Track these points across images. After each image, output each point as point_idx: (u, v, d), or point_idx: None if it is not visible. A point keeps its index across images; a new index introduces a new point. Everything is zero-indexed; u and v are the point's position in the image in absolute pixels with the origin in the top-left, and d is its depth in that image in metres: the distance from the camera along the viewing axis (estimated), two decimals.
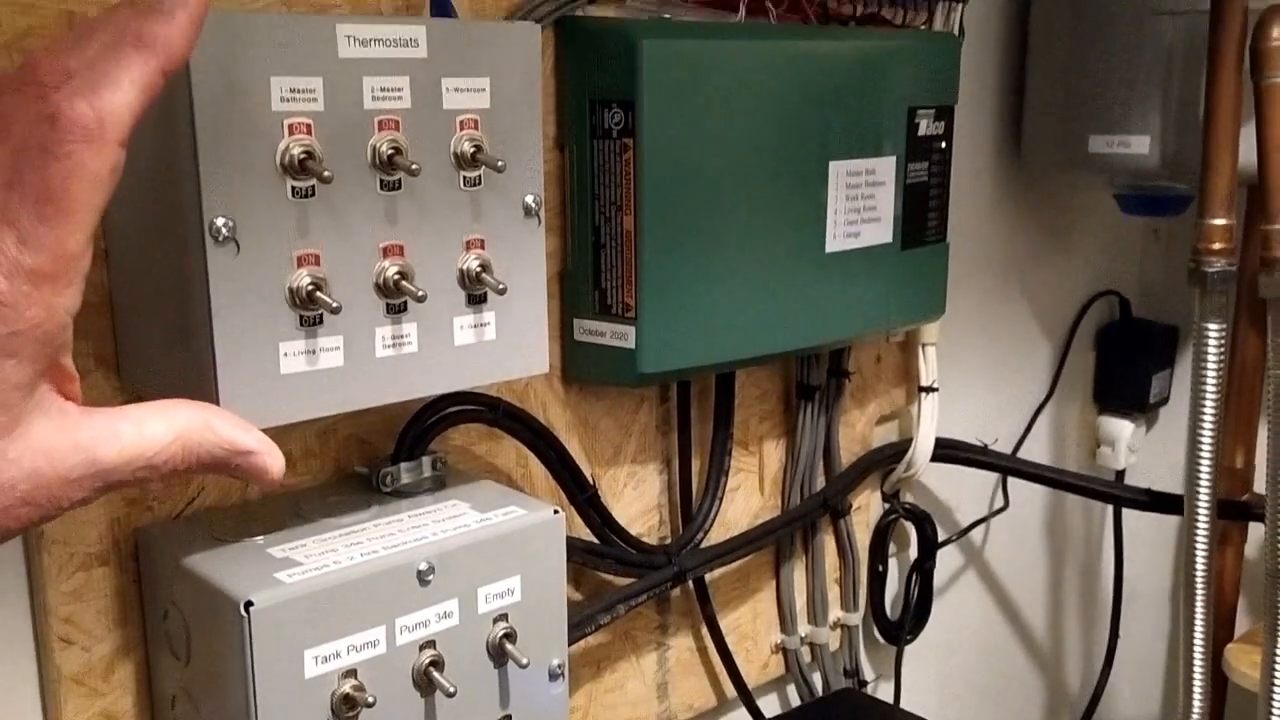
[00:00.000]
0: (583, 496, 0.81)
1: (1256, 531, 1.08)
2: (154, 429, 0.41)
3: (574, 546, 0.79)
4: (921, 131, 0.92)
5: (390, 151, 0.57)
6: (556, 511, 0.67)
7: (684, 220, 0.78)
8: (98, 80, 0.38)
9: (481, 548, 0.63)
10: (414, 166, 0.57)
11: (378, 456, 0.72)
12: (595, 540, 0.84)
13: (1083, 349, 1.42)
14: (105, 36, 0.39)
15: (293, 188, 0.54)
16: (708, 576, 0.95)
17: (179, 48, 0.40)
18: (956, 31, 1.00)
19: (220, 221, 0.52)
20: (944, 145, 0.95)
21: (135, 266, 0.58)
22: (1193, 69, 1.05)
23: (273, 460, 0.44)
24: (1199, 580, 1.03)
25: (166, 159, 0.53)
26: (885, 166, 0.90)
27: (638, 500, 0.90)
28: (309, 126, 0.54)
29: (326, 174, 0.54)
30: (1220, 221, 0.98)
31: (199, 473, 0.43)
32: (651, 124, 0.74)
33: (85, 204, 0.37)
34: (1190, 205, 1.06)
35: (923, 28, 0.99)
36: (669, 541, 0.92)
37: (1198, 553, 1.03)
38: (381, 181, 0.57)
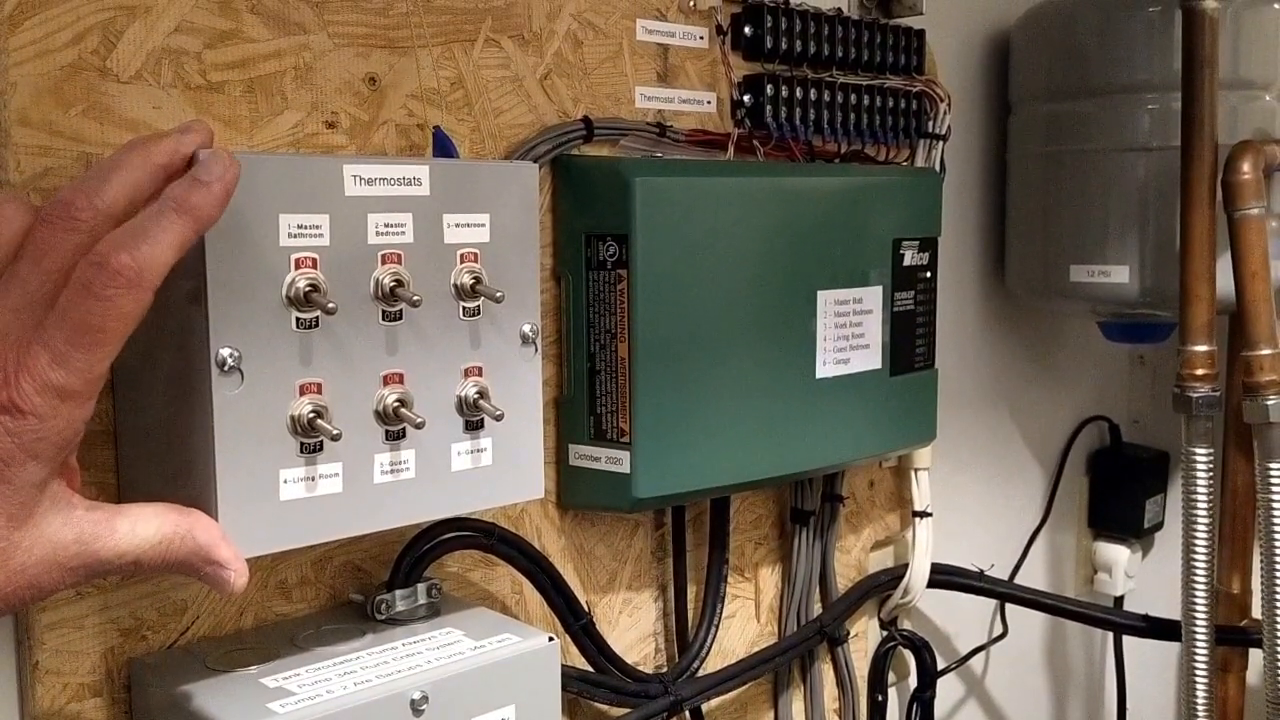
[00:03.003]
0: (578, 624, 0.81)
1: (1258, 658, 1.07)
2: (145, 531, 0.46)
3: (569, 675, 0.79)
4: (906, 262, 0.95)
5: (393, 284, 0.59)
6: (551, 639, 0.67)
7: (677, 348, 0.79)
8: (141, 236, 0.44)
9: (476, 676, 0.63)
10: (415, 298, 0.58)
11: (373, 584, 0.72)
12: (590, 669, 0.83)
13: (1075, 474, 1.43)
14: (137, 176, 0.46)
15: (297, 319, 0.56)
16: (705, 706, 0.94)
17: (212, 214, 0.47)
18: (938, 167, 1.04)
19: (226, 352, 0.53)
20: (929, 275, 0.98)
21: (140, 397, 0.59)
22: (1167, 202, 1.08)
23: (237, 578, 0.49)
24: (1200, 708, 1.02)
25: (176, 291, 0.55)
26: (872, 296, 0.92)
27: (633, 628, 0.90)
28: (315, 261, 0.56)
29: (330, 306, 0.56)
30: (1202, 348, 1.01)
31: (172, 573, 0.49)
32: (644, 256, 0.77)
33: (116, 337, 0.43)
34: (1172, 332, 1.09)
35: (905, 164, 1.03)
36: (665, 670, 0.91)
37: (1198, 680, 1.02)
38: (383, 312, 0.59)
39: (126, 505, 0.47)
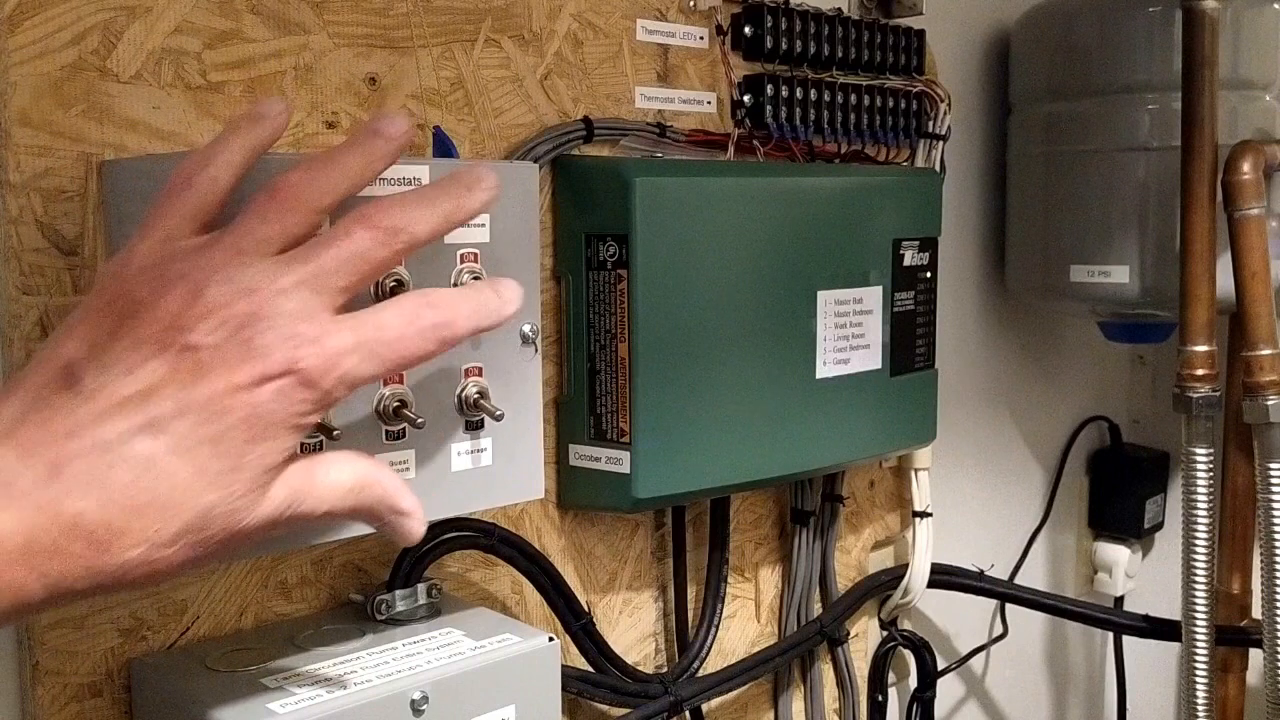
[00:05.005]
0: (578, 624, 0.81)
1: (1258, 658, 1.07)
2: (340, 476, 0.46)
3: (569, 676, 0.79)
4: (906, 262, 0.95)
5: (392, 284, 0.58)
6: (551, 639, 0.67)
7: (677, 348, 0.79)
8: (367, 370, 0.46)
9: (476, 677, 0.63)
10: None
11: (373, 584, 0.72)
12: (590, 669, 0.83)
13: (1075, 474, 1.43)
14: (447, 222, 0.49)
15: None
16: (705, 706, 0.94)
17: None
18: (938, 167, 1.04)
19: None
20: (929, 275, 0.98)
21: None
22: (1167, 201, 1.08)
23: (418, 526, 0.49)
24: (1200, 708, 1.02)
25: None
26: (872, 296, 0.92)
27: (633, 628, 0.90)
28: None
29: None
30: (1202, 348, 1.01)
31: (355, 521, 0.48)
32: (644, 256, 0.77)
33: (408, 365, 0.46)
34: (1173, 332, 1.09)
35: (905, 164, 1.03)
36: (665, 670, 0.91)
37: (1198, 680, 1.02)
38: None
39: (321, 454, 0.47)
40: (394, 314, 0.45)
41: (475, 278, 0.62)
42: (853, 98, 0.95)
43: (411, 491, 0.49)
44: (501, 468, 0.65)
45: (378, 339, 0.44)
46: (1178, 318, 1.02)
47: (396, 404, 0.59)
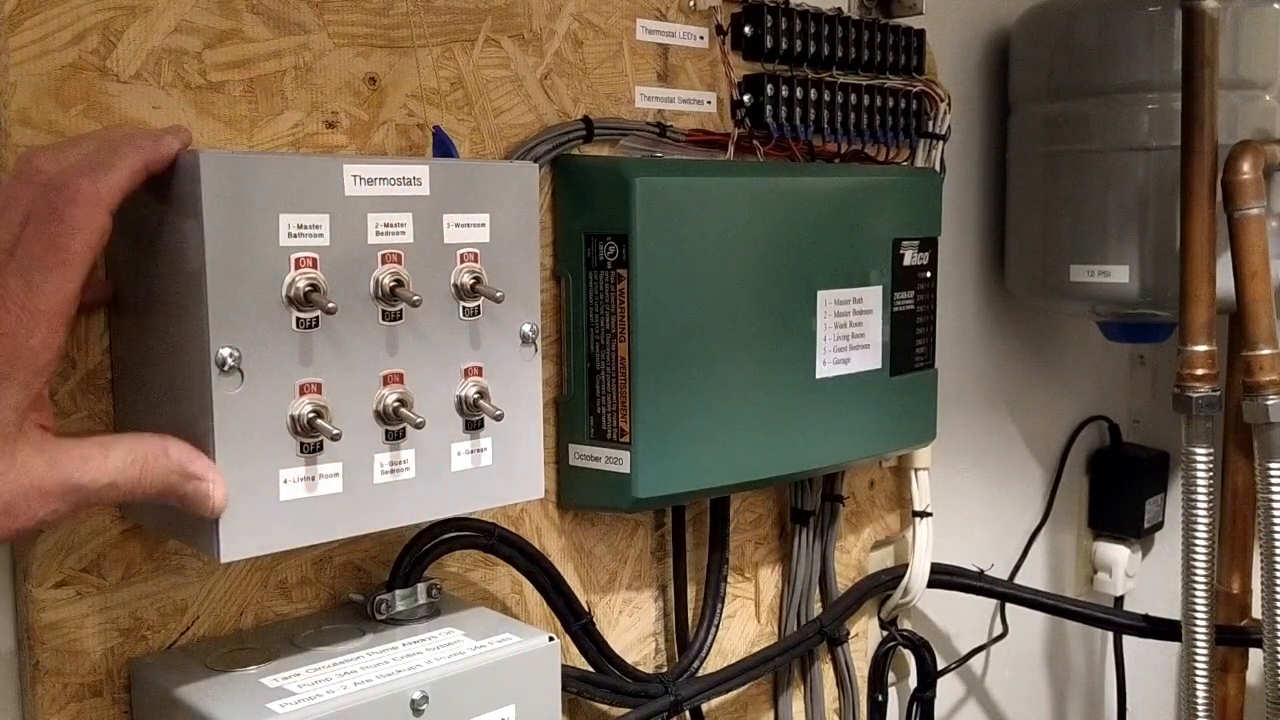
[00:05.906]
0: (578, 624, 0.81)
1: (1258, 658, 1.07)
2: (117, 453, 0.49)
3: (569, 675, 0.79)
4: (906, 262, 0.95)
5: (393, 284, 0.59)
6: (551, 639, 0.67)
7: (677, 348, 0.79)
8: (98, 166, 0.49)
9: (476, 676, 0.63)
10: (415, 298, 0.58)
11: (373, 584, 0.72)
12: (590, 669, 0.83)
13: (1075, 474, 1.43)
14: (102, 138, 0.51)
15: (297, 319, 0.56)
16: (705, 706, 0.94)
17: (163, 156, 0.51)
18: (937, 167, 1.04)
19: (226, 351, 0.53)
20: (929, 275, 0.98)
21: (140, 397, 0.59)
22: (1167, 201, 1.08)
23: (216, 489, 0.51)
24: (1200, 708, 1.02)
25: (176, 290, 0.55)
26: (872, 295, 0.92)
27: (633, 628, 0.90)
28: (315, 260, 0.56)
29: (330, 306, 0.56)
30: (1202, 348, 1.01)
31: (154, 499, 0.50)
32: (644, 256, 0.77)
33: (80, 258, 0.47)
34: (1172, 332, 1.09)
35: (905, 164, 1.03)
36: (665, 670, 0.91)
37: (1198, 680, 1.02)
38: (383, 312, 0.59)
39: (96, 436, 0.49)
40: (34, 224, 0.47)
41: (475, 278, 0.62)
42: (853, 98, 0.95)
43: (207, 460, 0.51)
44: (501, 468, 0.65)
45: (36, 250, 0.47)
46: (1178, 318, 1.02)
47: (396, 404, 0.59)
